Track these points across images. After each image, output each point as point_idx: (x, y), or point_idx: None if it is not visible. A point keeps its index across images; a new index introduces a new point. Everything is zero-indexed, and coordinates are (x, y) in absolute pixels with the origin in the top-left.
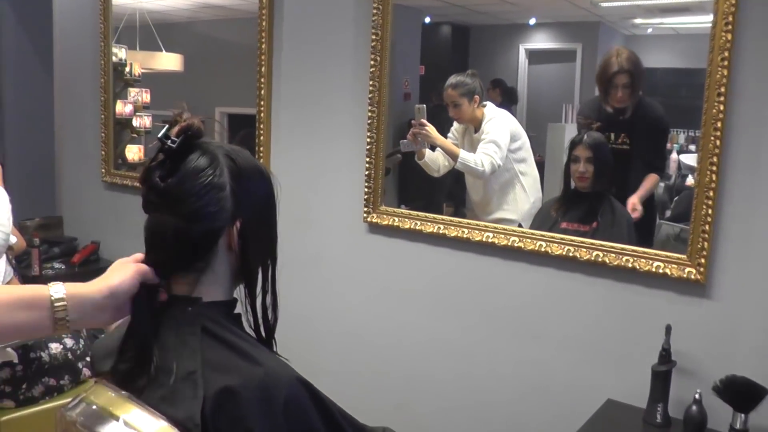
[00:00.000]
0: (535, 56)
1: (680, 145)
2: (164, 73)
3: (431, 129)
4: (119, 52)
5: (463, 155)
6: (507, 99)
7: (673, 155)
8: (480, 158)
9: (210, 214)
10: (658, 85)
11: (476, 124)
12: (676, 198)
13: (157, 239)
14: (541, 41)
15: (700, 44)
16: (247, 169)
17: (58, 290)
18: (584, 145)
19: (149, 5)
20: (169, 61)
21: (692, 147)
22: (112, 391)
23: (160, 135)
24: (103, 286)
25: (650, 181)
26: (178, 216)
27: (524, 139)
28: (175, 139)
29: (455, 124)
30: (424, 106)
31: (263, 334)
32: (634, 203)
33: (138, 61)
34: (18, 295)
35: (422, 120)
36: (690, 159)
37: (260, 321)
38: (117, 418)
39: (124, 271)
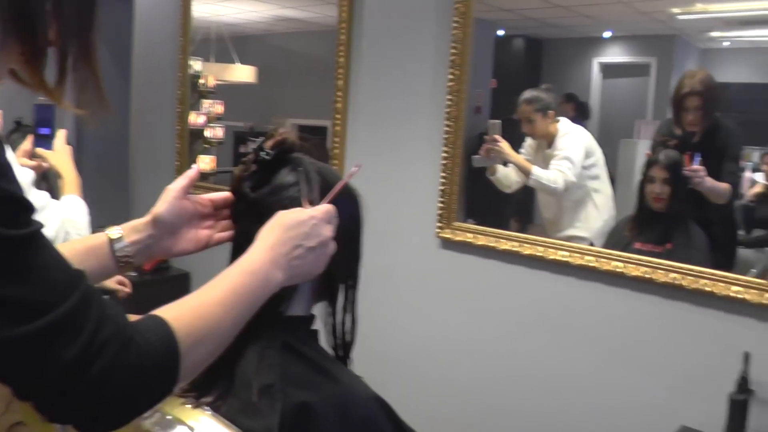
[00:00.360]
0: (608, 70)
1: (754, 163)
2: (238, 85)
3: (505, 144)
4: (194, 65)
5: (537, 171)
6: (579, 114)
7: (747, 173)
8: (554, 175)
9: None
10: (733, 101)
11: (549, 140)
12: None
13: (244, 249)
14: (615, 54)
15: None
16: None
17: (114, 231)
18: (660, 165)
19: (226, 18)
20: (242, 73)
21: (765, 165)
22: (187, 402)
23: (254, 146)
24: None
25: (722, 184)
26: None
27: (598, 156)
28: (270, 151)
29: (528, 140)
30: (499, 121)
31: (340, 352)
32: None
33: (213, 73)
34: (83, 245)
35: (496, 135)
36: (762, 178)
37: (338, 339)
38: (191, 429)
39: (164, 195)
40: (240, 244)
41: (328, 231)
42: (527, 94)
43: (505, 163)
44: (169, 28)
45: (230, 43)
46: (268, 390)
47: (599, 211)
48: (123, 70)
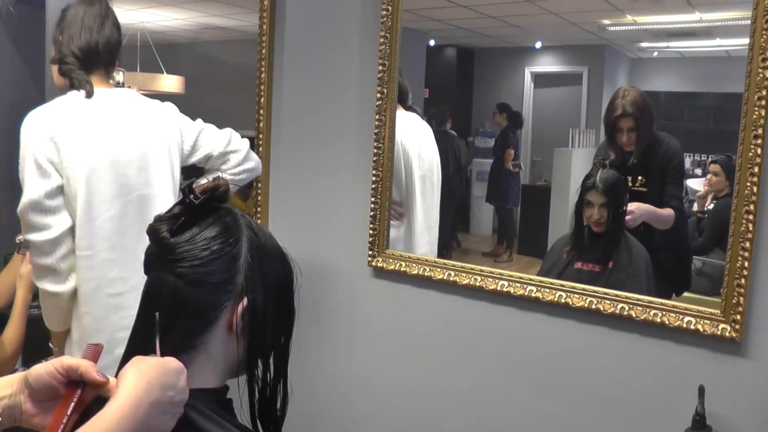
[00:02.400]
0: (540, 79)
1: (686, 169)
2: (165, 95)
3: None
4: (117, 75)
5: None
6: (512, 123)
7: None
8: None
9: (216, 282)
10: (662, 109)
11: None
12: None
13: (153, 303)
14: (547, 64)
15: (705, 67)
16: (268, 247)
17: None
18: (597, 190)
19: (150, 26)
20: (169, 83)
21: (698, 171)
22: None
23: (182, 186)
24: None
25: (664, 211)
26: (180, 277)
27: None
28: (199, 195)
29: None
30: None
31: (265, 428)
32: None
33: (137, 84)
34: None
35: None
36: (696, 184)
37: (258, 413)
38: None
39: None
40: (148, 298)
41: (188, 392)
42: None
43: None
44: None
45: (156, 52)
46: None
47: None
48: (37, 80)
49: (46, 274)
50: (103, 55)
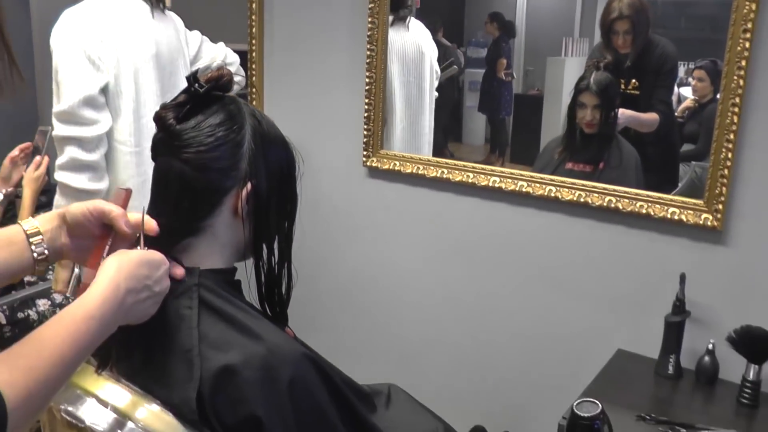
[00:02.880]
0: None
1: (680, 78)
2: None
3: None
4: None
5: None
6: (505, 32)
7: (674, 89)
8: None
9: (221, 167)
10: (659, 17)
11: None
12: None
13: (161, 187)
14: None
15: None
16: (271, 134)
17: (30, 223)
18: (590, 92)
19: None
20: None
21: (691, 80)
22: (97, 372)
23: (187, 74)
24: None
25: (648, 115)
26: (186, 163)
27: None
28: (204, 84)
29: None
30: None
31: (274, 310)
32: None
33: None
34: None
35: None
36: (689, 92)
37: (269, 297)
38: (106, 404)
39: (89, 201)
40: (159, 180)
41: (168, 283)
42: None
43: None
44: None
45: None
46: (185, 355)
47: None
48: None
49: (86, 170)
50: None
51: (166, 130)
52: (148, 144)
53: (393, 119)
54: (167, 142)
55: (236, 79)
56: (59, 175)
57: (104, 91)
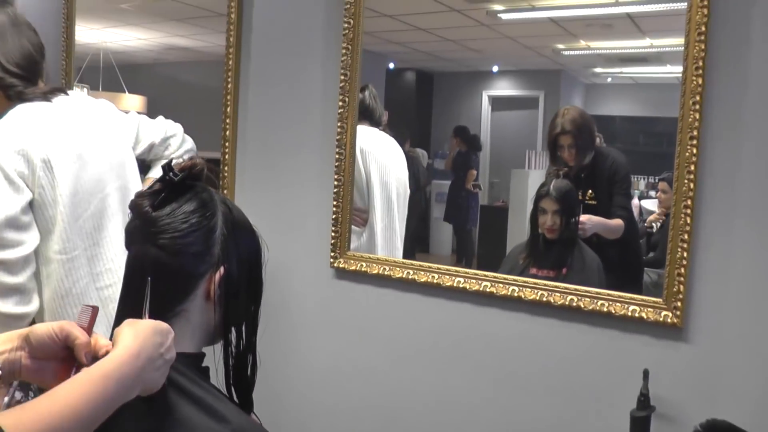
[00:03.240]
0: (498, 103)
1: (641, 191)
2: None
3: None
4: (81, 92)
5: None
6: (470, 146)
7: (635, 201)
8: None
9: (195, 252)
10: (618, 133)
11: None
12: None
13: (137, 275)
14: (504, 88)
15: (657, 93)
16: (240, 222)
17: None
18: (551, 197)
19: (113, 45)
20: (131, 103)
21: (652, 193)
22: None
23: (163, 164)
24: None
25: (614, 222)
26: (162, 248)
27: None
28: (178, 173)
29: None
30: None
31: (240, 395)
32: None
33: None
34: None
35: None
36: (650, 204)
37: (235, 382)
38: None
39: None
40: (132, 270)
41: (174, 352)
42: None
43: None
44: (51, 51)
45: (119, 72)
46: None
47: None
48: None
49: (13, 294)
50: (40, 62)
51: (142, 216)
52: (85, 245)
53: (374, 223)
54: (143, 229)
55: (187, 146)
56: None
57: (29, 209)
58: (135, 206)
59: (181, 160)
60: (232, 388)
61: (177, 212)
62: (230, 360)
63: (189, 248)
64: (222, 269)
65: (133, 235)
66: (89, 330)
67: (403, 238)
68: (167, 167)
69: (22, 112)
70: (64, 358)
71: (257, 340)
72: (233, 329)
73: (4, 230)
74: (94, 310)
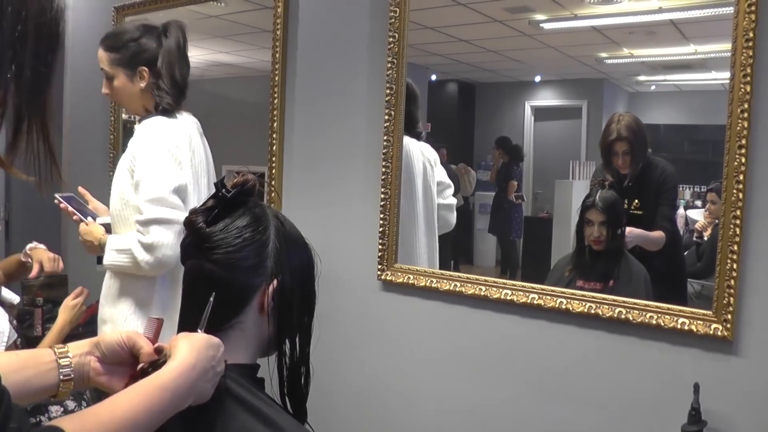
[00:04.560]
0: (540, 113)
1: (686, 201)
2: None
3: None
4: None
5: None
6: (513, 157)
7: (680, 211)
8: None
9: (248, 266)
10: (662, 142)
11: None
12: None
13: (193, 289)
14: (547, 98)
15: (702, 101)
16: (293, 235)
17: (60, 348)
18: (597, 208)
19: None
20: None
21: (698, 202)
22: None
23: (216, 181)
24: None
25: (655, 233)
26: (215, 263)
27: None
28: (231, 189)
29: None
30: None
31: (293, 405)
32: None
33: None
34: (24, 356)
35: None
36: (696, 214)
37: (289, 392)
38: None
39: (122, 331)
40: (190, 283)
41: (224, 365)
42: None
43: None
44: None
45: None
46: None
47: None
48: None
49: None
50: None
51: (196, 233)
52: None
53: (416, 233)
54: (197, 245)
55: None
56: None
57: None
58: (189, 223)
59: (233, 176)
60: (287, 398)
61: (230, 227)
62: (284, 371)
63: (242, 262)
64: (275, 282)
65: (188, 251)
66: (154, 340)
67: (429, 247)
68: (220, 184)
69: (181, 123)
70: (133, 364)
71: (310, 351)
72: (287, 340)
73: (173, 196)
74: (159, 322)
